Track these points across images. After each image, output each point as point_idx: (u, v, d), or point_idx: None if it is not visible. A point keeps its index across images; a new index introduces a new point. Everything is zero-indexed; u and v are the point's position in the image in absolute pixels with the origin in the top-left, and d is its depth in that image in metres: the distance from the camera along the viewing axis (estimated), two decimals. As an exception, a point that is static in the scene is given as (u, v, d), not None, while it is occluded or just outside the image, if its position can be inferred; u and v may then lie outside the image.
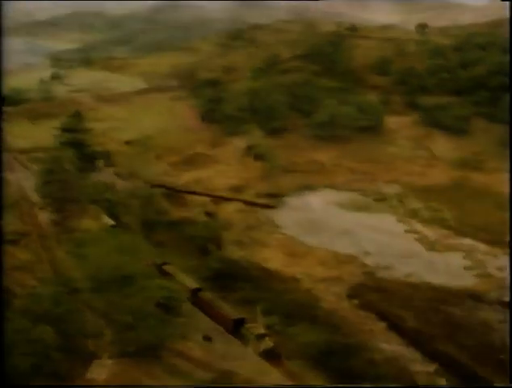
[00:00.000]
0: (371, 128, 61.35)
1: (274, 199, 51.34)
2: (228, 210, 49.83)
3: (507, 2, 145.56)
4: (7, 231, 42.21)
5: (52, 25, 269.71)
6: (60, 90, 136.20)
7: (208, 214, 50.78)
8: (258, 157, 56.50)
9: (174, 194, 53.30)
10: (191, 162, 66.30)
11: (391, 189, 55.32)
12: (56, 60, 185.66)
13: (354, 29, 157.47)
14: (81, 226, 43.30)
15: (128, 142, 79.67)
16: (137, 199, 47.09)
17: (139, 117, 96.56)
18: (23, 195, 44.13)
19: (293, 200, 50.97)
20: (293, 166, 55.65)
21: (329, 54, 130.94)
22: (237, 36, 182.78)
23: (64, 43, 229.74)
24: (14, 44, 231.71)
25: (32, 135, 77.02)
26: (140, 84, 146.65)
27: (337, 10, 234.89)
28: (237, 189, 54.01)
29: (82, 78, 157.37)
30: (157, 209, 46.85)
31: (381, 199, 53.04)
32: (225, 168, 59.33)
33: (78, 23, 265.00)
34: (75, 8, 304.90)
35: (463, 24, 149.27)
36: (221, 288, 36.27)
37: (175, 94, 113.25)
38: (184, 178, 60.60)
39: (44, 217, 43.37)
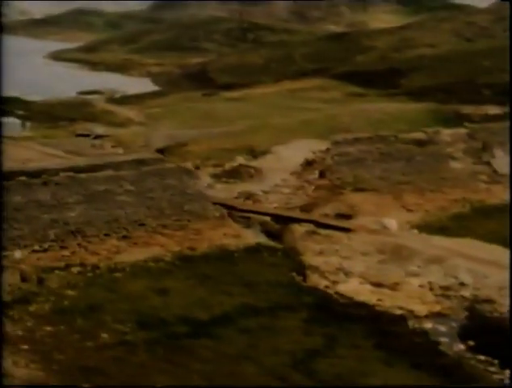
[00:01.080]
0: (428, 141, 57.32)
1: (346, 221, 47.19)
2: (299, 232, 45.62)
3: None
4: (72, 263, 37.98)
5: (49, 24, 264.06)
6: (68, 92, 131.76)
7: (272, 236, 46.68)
8: (322, 170, 52.30)
9: (233, 213, 48.98)
10: (237, 174, 62.03)
11: (462, 208, 51.59)
12: (59, 59, 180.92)
13: (365, 30, 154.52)
14: (153, 254, 39.15)
15: (159, 150, 75.13)
16: (206, 220, 42.94)
17: (162, 122, 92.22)
18: (87, 220, 39.73)
19: (367, 222, 46.80)
20: (360, 182, 51.57)
21: (346, 56, 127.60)
22: (244, 36, 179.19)
23: (64, 42, 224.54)
24: (14, 43, 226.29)
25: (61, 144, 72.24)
26: (150, 85, 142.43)
27: (338, 9, 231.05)
28: (300, 208, 49.87)
29: (89, 78, 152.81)
30: (229, 233, 42.64)
31: (456, 220, 49.17)
32: (280, 183, 55.03)
33: (75, 21, 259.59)
34: (70, 7, 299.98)
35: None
36: (325, 329, 32.13)
37: (195, 97, 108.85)
38: (233, 193, 56.26)
39: (112, 244, 39.17)
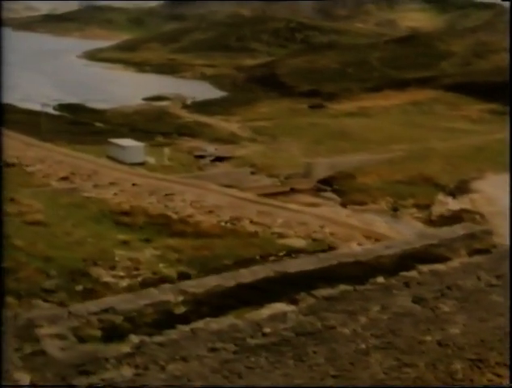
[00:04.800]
0: None
1: None
2: None
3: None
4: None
5: (66, 20, 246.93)
6: (130, 97, 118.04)
7: None
8: None
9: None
10: (460, 221, 49.97)
11: None
12: (97, 59, 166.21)
13: (434, 32, 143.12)
14: None
15: (323, 181, 62.83)
16: None
17: (282, 139, 79.61)
18: (479, 339, 27.65)
19: None
20: None
21: (427, 62, 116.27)
22: (293, 36, 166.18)
23: (87, 40, 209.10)
24: (37, 40, 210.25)
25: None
26: (212, 90, 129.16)
27: (365, 8, 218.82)
28: None
29: (141, 81, 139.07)
30: None
31: None
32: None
33: (93, 18, 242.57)
34: (76, 2, 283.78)
35: None
36: None
37: (301, 109, 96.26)
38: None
39: None
